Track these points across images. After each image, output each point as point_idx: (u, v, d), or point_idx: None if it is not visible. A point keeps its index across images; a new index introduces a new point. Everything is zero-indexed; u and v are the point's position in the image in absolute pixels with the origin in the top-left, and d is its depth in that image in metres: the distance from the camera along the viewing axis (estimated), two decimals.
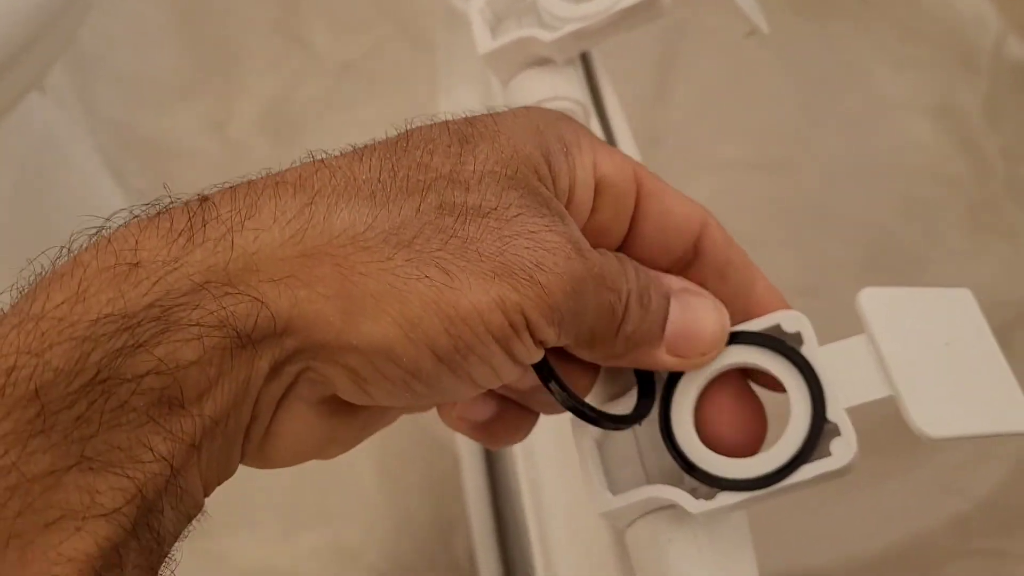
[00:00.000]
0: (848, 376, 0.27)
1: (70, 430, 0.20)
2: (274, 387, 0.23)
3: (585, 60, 0.39)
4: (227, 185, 0.24)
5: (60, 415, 0.20)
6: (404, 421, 0.29)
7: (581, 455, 0.28)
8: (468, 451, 0.69)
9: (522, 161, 0.25)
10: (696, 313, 0.27)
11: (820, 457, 0.26)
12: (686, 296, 0.27)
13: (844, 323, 0.99)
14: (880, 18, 1.07)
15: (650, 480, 0.28)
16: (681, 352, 0.27)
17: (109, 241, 0.22)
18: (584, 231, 0.26)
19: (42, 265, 0.22)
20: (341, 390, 0.24)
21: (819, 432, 0.26)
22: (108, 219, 0.23)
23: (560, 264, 0.24)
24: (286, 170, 0.24)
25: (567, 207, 0.26)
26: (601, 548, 0.33)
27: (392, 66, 1.00)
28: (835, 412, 0.26)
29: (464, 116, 0.26)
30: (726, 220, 1.05)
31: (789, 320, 0.28)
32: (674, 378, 0.28)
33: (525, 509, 0.42)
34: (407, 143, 0.25)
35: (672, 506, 0.27)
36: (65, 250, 0.22)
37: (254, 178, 0.24)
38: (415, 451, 0.86)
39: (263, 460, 0.25)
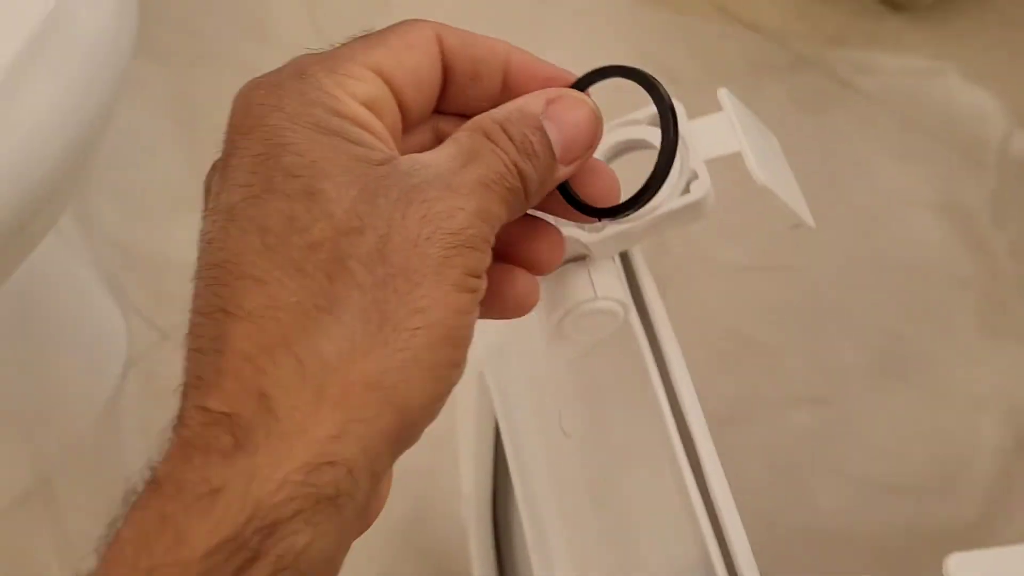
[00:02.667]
0: (709, 140, 0.35)
1: None
2: (377, 492, 0.26)
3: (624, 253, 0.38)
4: (213, 393, 0.24)
5: None
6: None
7: None
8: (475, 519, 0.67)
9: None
10: (569, 122, 0.29)
11: (684, 195, 0.34)
12: (554, 110, 0.29)
13: (857, 434, 0.96)
14: (881, 111, 1.06)
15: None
16: (572, 159, 0.29)
17: (179, 483, 0.23)
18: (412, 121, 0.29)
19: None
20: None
21: (670, 157, 0.31)
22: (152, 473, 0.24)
23: (468, 216, 0.26)
24: (234, 343, 0.24)
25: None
26: None
27: None
28: (695, 162, 0.35)
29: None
30: (736, 324, 1.03)
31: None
32: None
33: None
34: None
35: (577, 259, 0.35)
36: (132, 496, 0.23)
37: (224, 364, 0.24)
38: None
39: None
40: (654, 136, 0.36)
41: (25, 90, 0.46)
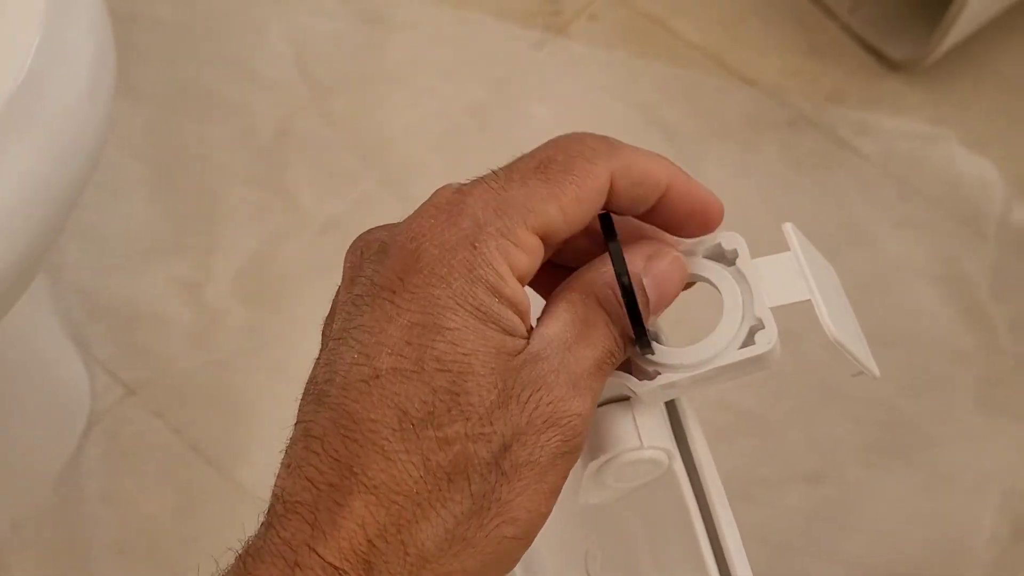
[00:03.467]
0: (775, 283, 0.32)
1: None
2: None
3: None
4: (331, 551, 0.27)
5: None
6: None
7: None
8: None
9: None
10: (665, 282, 0.31)
11: (746, 346, 0.31)
12: (653, 268, 0.31)
13: (852, 515, 0.93)
14: (880, 174, 1.04)
15: None
16: (661, 309, 0.32)
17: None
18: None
19: None
20: None
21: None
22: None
23: (583, 427, 0.29)
24: (354, 508, 0.27)
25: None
26: None
27: (377, 221, 0.95)
28: (761, 310, 0.31)
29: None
30: (733, 399, 1.00)
31: (728, 239, 0.33)
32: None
33: None
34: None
35: (619, 400, 0.32)
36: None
37: (342, 523, 0.27)
38: None
39: None
40: (709, 270, 0.32)
41: None
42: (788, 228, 0.33)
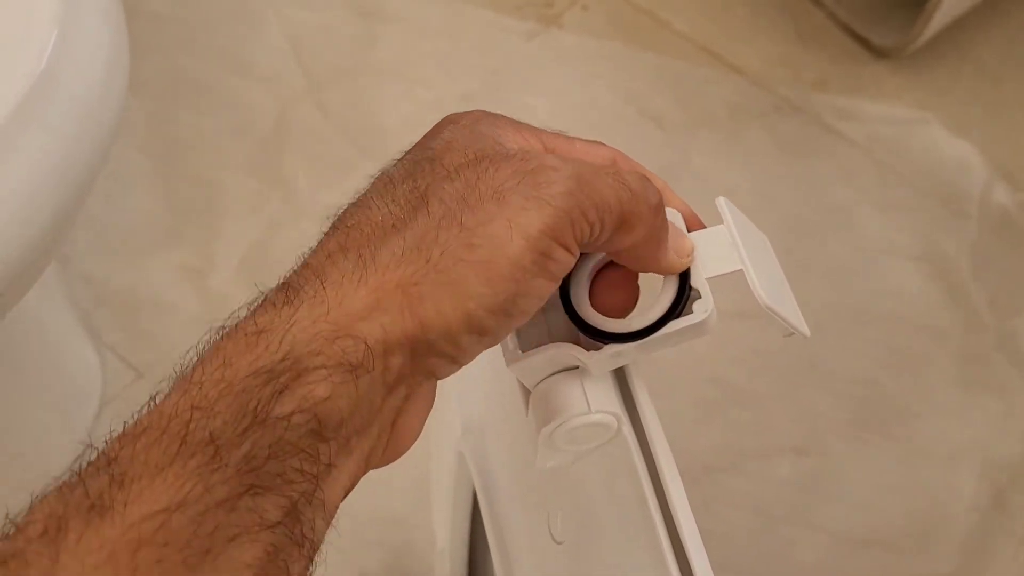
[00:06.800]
0: (710, 255, 0.34)
1: (240, 465, 0.26)
2: (394, 400, 0.29)
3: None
4: (290, 276, 0.30)
5: (231, 453, 0.26)
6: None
7: None
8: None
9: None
10: (679, 231, 0.34)
11: (685, 315, 0.33)
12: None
13: (835, 486, 0.94)
14: (863, 158, 1.07)
15: (553, 340, 0.35)
16: (680, 254, 0.34)
17: (236, 327, 0.28)
18: None
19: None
20: (441, 373, 0.30)
21: (684, 294, 0.33)
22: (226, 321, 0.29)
23: (564, 182, 0.30)
24: (326, 245, 0.30)
25: None
26: None
27: None
28: (698, 280, 0.34)
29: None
30: (720, 372, 1.01)
31: (667, 215, 0.34)
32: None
33: None
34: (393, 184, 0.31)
35: (570, 369, 0.34)
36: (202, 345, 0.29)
37: (308, 259, 0.30)
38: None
39: (388, 460, 0.31)
40: None
41: (12, 157, 0.45)
42: (721, 202, 0.35)
